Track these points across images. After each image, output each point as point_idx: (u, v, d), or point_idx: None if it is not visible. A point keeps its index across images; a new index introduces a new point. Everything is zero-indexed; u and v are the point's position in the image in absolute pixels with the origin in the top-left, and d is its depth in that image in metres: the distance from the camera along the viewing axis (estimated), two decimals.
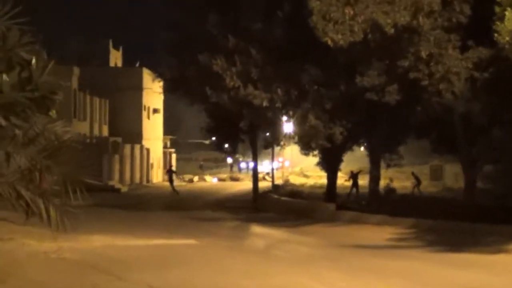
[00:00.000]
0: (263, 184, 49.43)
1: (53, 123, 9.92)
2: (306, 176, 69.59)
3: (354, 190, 39.52)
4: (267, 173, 64.47)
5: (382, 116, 27.86)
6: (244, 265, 15.79)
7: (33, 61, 9.04)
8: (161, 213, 31.71)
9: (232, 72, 26.65)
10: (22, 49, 9.01)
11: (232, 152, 40.70)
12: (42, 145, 9.81)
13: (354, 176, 40.18)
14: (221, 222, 27.71)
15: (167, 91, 36.85)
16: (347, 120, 27.10)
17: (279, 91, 26.10)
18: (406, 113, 27.56)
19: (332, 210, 27.78)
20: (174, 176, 48.03)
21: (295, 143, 33.68)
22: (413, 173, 42.17)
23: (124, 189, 48.16)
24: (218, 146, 38.75)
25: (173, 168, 52.10)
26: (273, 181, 47.60)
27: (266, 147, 37.66)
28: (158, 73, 36.31)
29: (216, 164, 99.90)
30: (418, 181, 41.36)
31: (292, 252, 19.02)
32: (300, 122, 27.82)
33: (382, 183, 33.13)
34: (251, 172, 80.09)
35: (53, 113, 9.81)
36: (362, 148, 46.17)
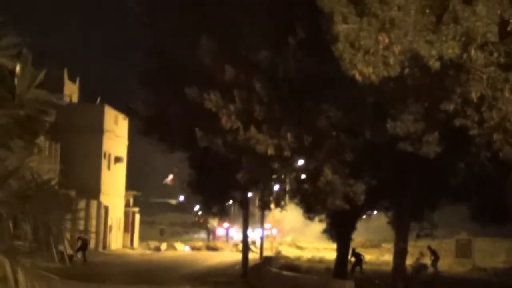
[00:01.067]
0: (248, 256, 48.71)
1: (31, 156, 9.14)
2: (299, 247, 69.29)
3: (358, 268, 38.90)
4: (253, 243, 63.78)
5: (414, 172, 27.28)
6: None
7: (17, 69, 8.34)
8: None
9: (230, 111, 26.04)
10: (2, 53, 8.31)
11: (221, 214, 39.71)
12: (17, 185, 9.01)
13: (356, 255, 39.63)
14: None
15: (142, 133, 35.93)
16: (372, 176, 26.47)
17: (288, 136, 25.50)
18: (446, 170, 27.06)
19: None
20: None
21: (297, 204, 33.02)
22: (429, 248, 41.44)
23: (77, 256, 46.90)
24: (205, 207, 37.73)
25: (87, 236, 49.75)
26: (261, 252, 46.83)
27: (263, 208, 36.72)
28: (131, 110, 35.53)
29: (185, 230, 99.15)
30: (435, 257, 40.51)
31: None
32: (311, 177, 27.14)
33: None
34: (231, 241, 79.70)
35: (41, 141, 9.08)
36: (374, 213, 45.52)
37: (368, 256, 48.53)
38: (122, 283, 32.83)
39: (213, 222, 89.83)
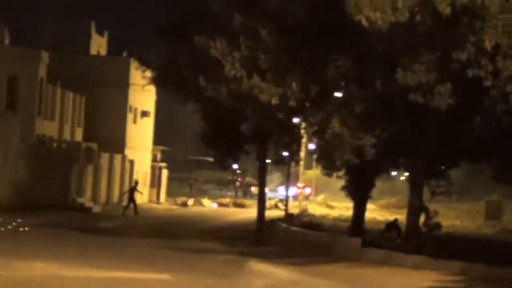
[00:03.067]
0: (274, 213, 47.76)
1: None
2: (329, 206, 68.36)
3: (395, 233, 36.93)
4: (281, 200, 62.76)
5: (428, 126, 26.03)
6: None
7: None
8: (136, 240, 30.49)
9: (234, 58, 25.00)
10: None
11: (233, 169, 38.58)
12: None
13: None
14: (210, 255, 26.21)
15: (155, 83, 35.27)
16: (383, 129, 25.28)
17: (294, 85, 24.41)
18: (460, 125, 25.81)
19: (356, 246, 26.17)
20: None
21: (316, 160, 31.97)
22: (423, 205, 38.85)
23: (97, 208, 46.43)
24: (217, 160, 36.67)
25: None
26: (286, 209, 45.79)
27: (277, 163, 35.60)
28: (145, 61, 34.70)
29: (219, 187, 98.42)
30: (427, 214, 37.85)
31: None
32: (320, 129, 26.01)
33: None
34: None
35: None
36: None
37: (399, 216, 47.31)
38: (129, 235, 32.26)
39: (250, 181, 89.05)
